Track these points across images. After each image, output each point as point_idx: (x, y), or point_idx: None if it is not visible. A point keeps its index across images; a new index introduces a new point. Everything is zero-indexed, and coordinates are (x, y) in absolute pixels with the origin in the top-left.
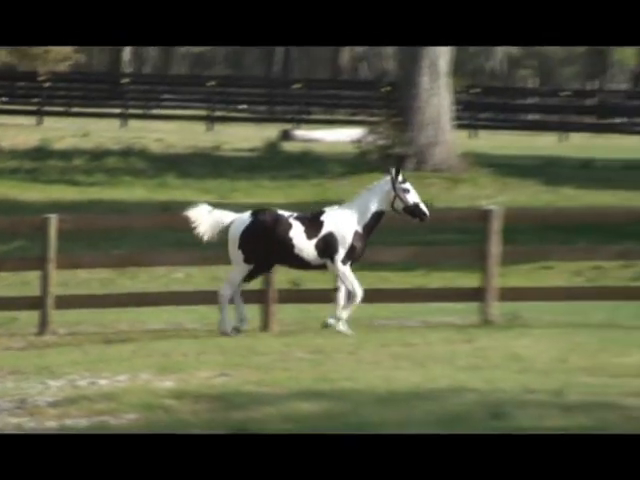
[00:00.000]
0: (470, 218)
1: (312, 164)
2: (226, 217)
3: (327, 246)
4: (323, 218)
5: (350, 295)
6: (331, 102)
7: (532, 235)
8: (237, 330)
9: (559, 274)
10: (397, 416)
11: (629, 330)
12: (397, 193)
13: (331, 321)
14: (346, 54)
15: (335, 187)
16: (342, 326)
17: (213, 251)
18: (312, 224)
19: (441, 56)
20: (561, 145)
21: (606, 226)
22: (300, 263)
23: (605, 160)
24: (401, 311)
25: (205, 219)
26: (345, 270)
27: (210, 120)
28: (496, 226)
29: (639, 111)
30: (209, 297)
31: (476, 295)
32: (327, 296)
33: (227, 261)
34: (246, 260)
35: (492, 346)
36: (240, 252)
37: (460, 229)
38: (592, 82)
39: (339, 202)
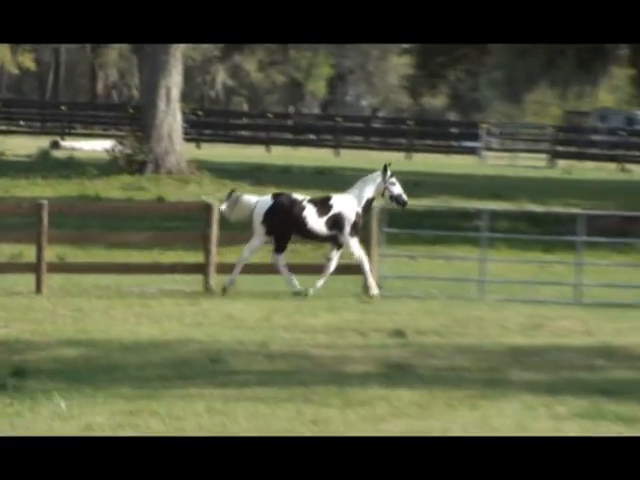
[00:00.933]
0: (195, 209)
1: (75, 167)
2: (251, 199)
3: (336, 223)
4: (332, 202)
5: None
6: (89, 120)
7: (242, 223)
8: (224, 290)
9: (264, 253)
10: (139, 360)
11: (318, 298)
12: (386, 185)
13: (311, 291)
14: (101, 83)
15: (92, 185)
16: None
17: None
18: (322, 206)
19: (174, 86)
20: (267, 155)
21: None
22: (312, 236)
23: (300, 167)
24: (143, 281)
25: (236, 202)
26: (353, 241)
27: None
28: (214, 216)
29: (326, 130)
30: None
31: (200, 269)
32: (87, 267)
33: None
34: (266, 232)
35: (212, 308)
36: (262, 226)
37: (187, 218)
38: (291, 107)
39: (95, 196)
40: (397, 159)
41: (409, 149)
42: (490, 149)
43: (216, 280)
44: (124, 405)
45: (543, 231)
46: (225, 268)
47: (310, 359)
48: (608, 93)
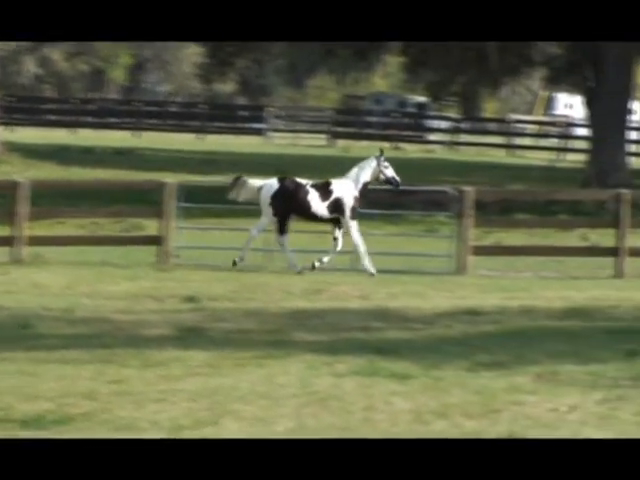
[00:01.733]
0: (6, 187)
1: None
2: (257, 183)
3: (336, 207)
4: (332, 187)
5: (356, 244)
6: None
7: (49, 199)
8: (234, 264)
9: (69, 227)
10: None
11: (118, 267)
12: (380, 169)
13: (317, 264)
14: None
15: None
16: (369, 268)
17: None
18: (324, 191)
19: None
20: (71, 137)
21: (102, 193)
22: (314, 218)
23: (102, 147)
24: None
25: (242, 186)
26: (353, 224)
27: None
28: (24, 193)
29: (127, 114)
30: None
31: (9, 242)
32: None
33: None
34: (274, 214)
35: (20, 277)
36: (270, 208)
37: None
38: (93, 93)
39: None
40: (191, 140)
41: (202, 131)
42: (275, 130)
43: (27, 251)
44: None
45: None
46: (34, 240)
47: (111, 323)
48: (382, 79)
